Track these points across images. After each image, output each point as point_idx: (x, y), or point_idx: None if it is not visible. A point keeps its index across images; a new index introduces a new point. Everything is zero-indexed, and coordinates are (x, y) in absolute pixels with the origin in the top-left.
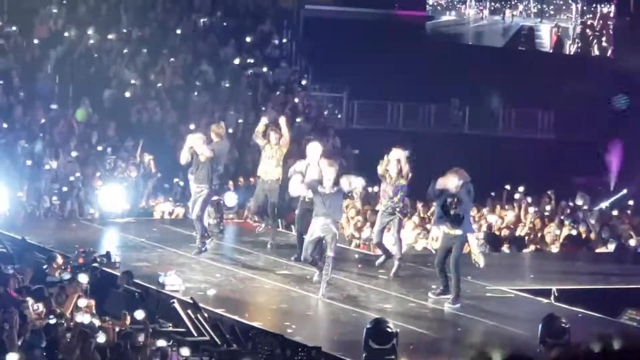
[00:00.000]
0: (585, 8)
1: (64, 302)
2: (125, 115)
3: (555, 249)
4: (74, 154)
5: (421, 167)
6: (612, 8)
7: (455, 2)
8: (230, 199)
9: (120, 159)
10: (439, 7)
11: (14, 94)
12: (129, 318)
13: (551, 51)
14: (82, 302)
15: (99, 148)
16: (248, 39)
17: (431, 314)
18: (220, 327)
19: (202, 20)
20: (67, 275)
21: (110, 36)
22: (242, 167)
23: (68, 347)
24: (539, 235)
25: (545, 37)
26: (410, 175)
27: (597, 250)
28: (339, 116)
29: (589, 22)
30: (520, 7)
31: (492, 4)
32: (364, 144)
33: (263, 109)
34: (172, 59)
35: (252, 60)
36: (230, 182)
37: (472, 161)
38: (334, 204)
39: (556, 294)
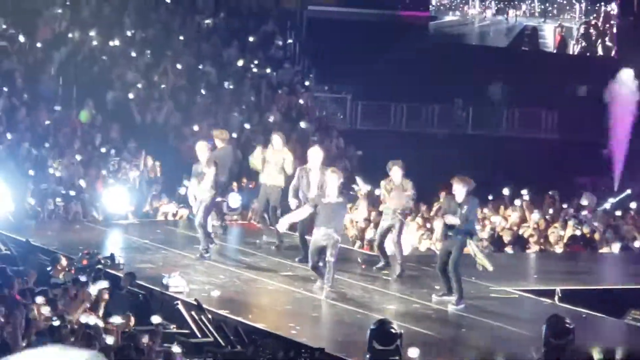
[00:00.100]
0: (589, 8)
1: (69, 305)
2: (128, 116)
3: (559, 249)
4: (78, 157)
5: (425, 168)
6: (616, 8)
7: (458, 3)
8: (234, 200)
9: (124, 160)
10: (442, 8)
11: (17, 95)
12: (132, 320)
13: (555, 51)
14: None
15: (103, 150)
16: (251, 40)
17: (435, 315)
18: (224, 328)
19: (205, 21)
20: (83, 278)
21: (113, 38)
22: (246, 169)
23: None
24: (543, 235)
25: (549, 37)
26: (413, 191)
27: (601, 251)
28: (343, 117)
29: (592, 22)
30: (524, 7)
31: (496, 3)
32: (368, 145)
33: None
34: (175, 61)
35: (255, 62)
36: (234, 184)
37: (475, 161)
38: (336, 214)
39: (560, 295)
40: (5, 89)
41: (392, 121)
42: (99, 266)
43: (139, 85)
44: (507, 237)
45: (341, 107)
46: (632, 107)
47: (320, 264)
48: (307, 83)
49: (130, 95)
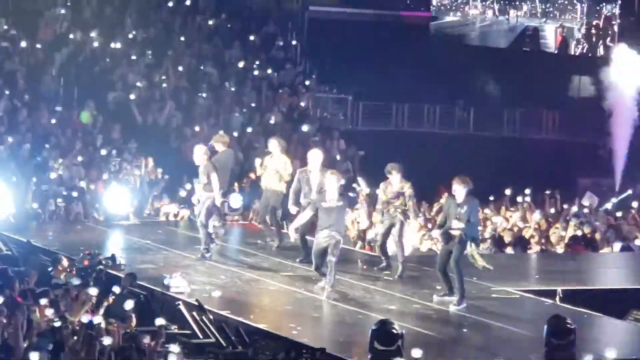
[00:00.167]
0: (590, 8)
1: (70, 306)
2: (129, 117)
3: (560, 249)
4: (80, 158)
5: (426, 168)
6: (617, 8)
7: (459, 3)
8: (235, 200)
9: (125, 161)
10: (443, 8)
11: (18, 96)
12: (134, 320)
13: (556, 51)
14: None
15: (104, 151)
16: (252, 40)
17: (436, 315)
18: (225, 328)
19: (207, 22)
20: (77, 281)
21: (114, 39)
22: (247, 169)
23: (73, 349)
24: (545, 236)
25: (550, 38)
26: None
27: (602, 251)
28: (344, 118)
29: (594, 22)
30: (525, 7)
31: (497, 3)
32: (369, 146)
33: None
34: (176, 62)
35: (256, 62)
36: (235, 184)
37: (477, 162)
38: (337, 217)
39: (561, 295)
40: (7, 91)
41: (394, 122)
42: (100, 267)
43: (140, 86)
44: (508, 238)
45: (342, 107)
46: (633, 108)
47: (324, 266)
48: (308, 84)
49: (132, 96)
